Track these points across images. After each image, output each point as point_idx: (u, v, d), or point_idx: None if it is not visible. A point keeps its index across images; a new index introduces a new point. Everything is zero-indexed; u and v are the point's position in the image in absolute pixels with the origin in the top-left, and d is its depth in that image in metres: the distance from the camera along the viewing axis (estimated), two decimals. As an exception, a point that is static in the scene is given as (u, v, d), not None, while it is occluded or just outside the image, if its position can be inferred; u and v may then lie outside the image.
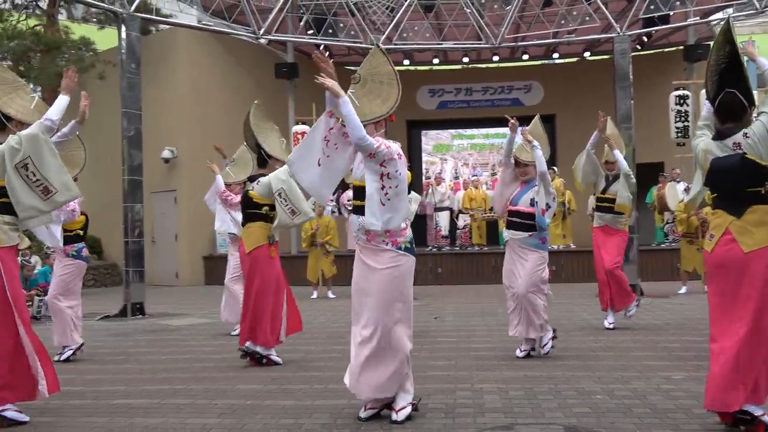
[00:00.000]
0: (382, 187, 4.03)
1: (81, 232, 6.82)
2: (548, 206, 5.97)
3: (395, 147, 4.12)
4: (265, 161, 6.21)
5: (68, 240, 6.61)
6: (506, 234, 6.16)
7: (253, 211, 6.15)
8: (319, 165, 4.17)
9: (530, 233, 5.98)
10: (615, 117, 12.05)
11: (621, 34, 13.02)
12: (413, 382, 4.30)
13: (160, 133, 16.09)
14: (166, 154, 16.42)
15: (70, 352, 6.60)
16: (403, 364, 4.11)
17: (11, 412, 4.30)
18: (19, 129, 4.41)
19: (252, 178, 6.28)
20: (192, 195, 16.20)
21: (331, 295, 12.35)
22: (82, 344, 6.70)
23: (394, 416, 4.11)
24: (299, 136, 14.26)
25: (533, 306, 5.94)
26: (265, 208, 6.09)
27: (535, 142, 5.95)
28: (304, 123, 15.05)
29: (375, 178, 4.03)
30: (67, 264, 6.67)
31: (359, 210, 4.17)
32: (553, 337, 6.10)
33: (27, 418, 4.33)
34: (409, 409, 4.14)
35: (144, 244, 11.14)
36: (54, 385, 4.35)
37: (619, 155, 7.48)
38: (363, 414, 4.17)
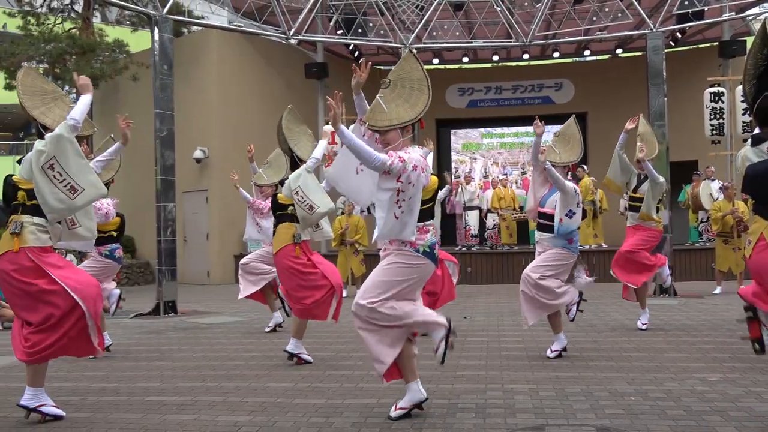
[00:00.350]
0: (396, 202, 4.01)
1: (115, 233, 6.91)
2: (571, 213, 5.90)
3: (413, 156, 4.04)
4: (297, 165, 6.25)
5: (102, 241, 6.70)
6: (537, 235, 6.17)
7: (280, 212, 6.24)
8: (358, 173, 4.28)
9: (553, 235, 5.96)
10: (648, 115, 11.88)
11: (654, 30, 12.83)
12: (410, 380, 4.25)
13: (192, 134, 16.27)
14: (197, 154, 16.60)
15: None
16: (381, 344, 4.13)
17: (48, 407, 4.38)
18: None
19: (282, 182, 6.35)
20: (223, 195, 16.36)
21: (360, 294, 12.37)
22: (110, 343, 6.79)
23: (391, 411, 4.18)
24: (329, 136, 14.29)
25: (538, 286, 5.85)
26: (291, 208, 6.14)
27: (548, 164, 5.90)
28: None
29: (390, 192, 4.01)
30: (98, 261, 6.77)
31: None
32: (580, 302, 6.05)
33: (63, 414, 4.41)
34: (404, 412, 4.16)
35: (176, 243, 11.26)
36: (102, 343, 4.50)
37: (649, 165, 7.41)
38: (393, 413, 4.17)
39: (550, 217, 5.98)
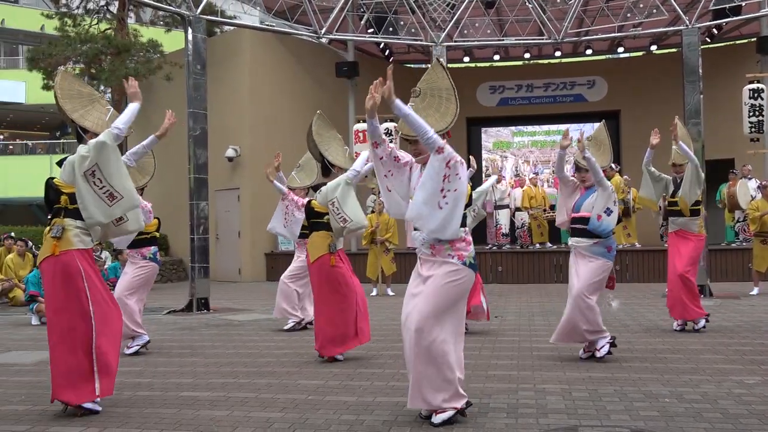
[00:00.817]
0: (442, 190, 3.91)
1: (157, 234, 7.03)
2: (609, 211, 5.77)
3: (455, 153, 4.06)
4: (328, 170, 6.26)
5: (145, 242, 6.79)
6: (571, 242, 5.96)
7: (315, 220, 6.24)
8: (390, 191, 4.23)
9: (595, 241, 5.78)
10: (683, 113, 11.69)
11: (690, 26, 12.61)
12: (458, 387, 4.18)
13: (224, 132, 16.42)
14: (229, 152, 16.75)
15: (137, 347, 6.79)
16: (441, 371, 3.94)
17: (87, 402, 4.48)
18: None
19: (315, 188, 6.37)
20: (254, 193, 16.50)
21: (390, 293, 12.38)
22: (148, 341, 6.89)
23: (433, 417, 4.01)
24: (360, 134, 14.33)
25: (584, 309, 5.68)
26: (326, 216, 6.15)
27: (587, 153, 5.81)
28: (365, 122, 15.13)
29: (437, 177, 3.91)
30: (142, 266, 6.83)
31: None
32: (612, 344, 5.87)
33: (100, 408, 4.50)
34: (449, 414, 4.00)
35: (209, 240, 11.38)
36: (108, 389, 4.46)
37: (685, 147, 7.21)
38: (424, 411, 4.15)
39: (587, 221, 5.82)
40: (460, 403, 4.02)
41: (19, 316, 10.37)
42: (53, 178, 4.63)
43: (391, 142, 15.84)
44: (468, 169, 8.18)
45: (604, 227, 5.75)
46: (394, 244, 12.56)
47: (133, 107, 4.68)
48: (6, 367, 6.25)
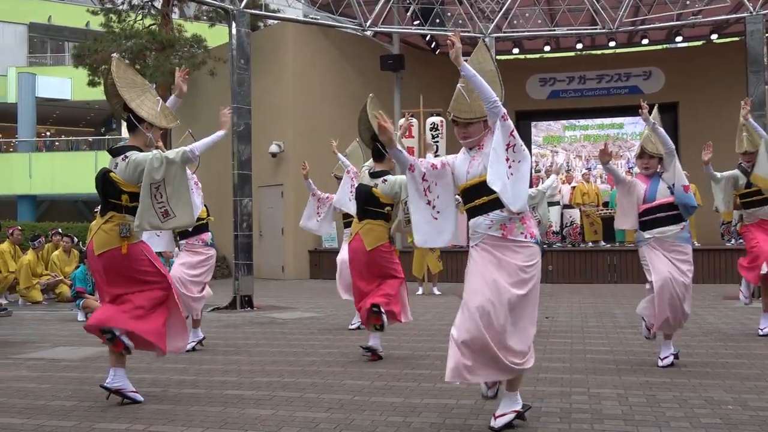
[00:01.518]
0: (507, 159, 3.84)
1: (211, 218, 7.19)
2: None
3: None
4: (382, 154, 6.23)
5: (202, 228, 6.91)
6: (652, 233, 5.56)
7: (373, 208, 6.16)
8: (436, 219, 4.13)
9: (681, 226, 5.49)
10: (747, 104, 11.35)
11: (754, 13, 12.24)
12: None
13: (267, 128, 16.60)
14: (273, 148, 16.93)
15: (194, 343, 6.89)
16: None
17: (129, 391, 4.66)
18: (148, 130, 4.70)
19: (376, 174, 6.24)
20: (298, 189, 16.61)
21: (436, 292, 12.35)
22: (203, 338, 7.04)
23: (492, 422, 3.93)
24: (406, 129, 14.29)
25: (687, 289, 5.45)
26: (387, 208, 6.13)
27: (652, 121, 5.60)
28: (412, 116, 15.11)
29: (502, 146, 3.83)
30: (203, 252, 6.89)
31: (474, 212, 3.99)
32: (675, 356, 5.69)
33: (141, 399, 4.70)
34: (510, 417, 3.95)
35: (252, 237, 11.51)
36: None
37: (754, 122, 6.95)
38: (495, 423, 3.95)
39: (668, 206, 5.50)
40: (519, 406, 4.00)
41: (66, 312, 10.68)
42: (110, 171, 4.69)
43: (436, 137, 15.62)
44: (549, 178, 8.00)
45: (692, 198, 5.50)
46: (440, 242, 12.50)
47: (218, 135, 4.86)
48: (53, 362, 6.43)
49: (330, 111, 17.11)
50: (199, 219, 6.71)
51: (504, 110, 3.88)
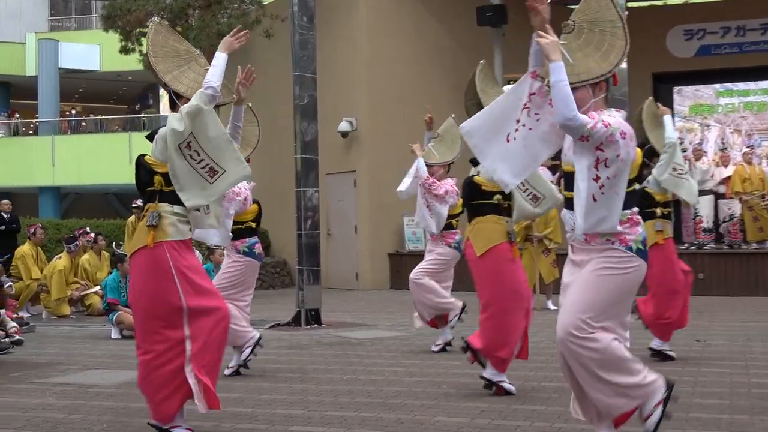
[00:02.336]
0: (597, 178, 3.89)
1: (253, 224, 7.28)
2: None
3: (618, 121, 3.91)
4: None
5: (239, 234, 7.06)
6: None
7: (480, 201, 6.15)
8: (509, 141, 4.18)
9: None
10: None
11: None
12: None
13: (336, 101, 16.77)
14: (343, 126, 17.08)
15: (235, 367, 7.08)
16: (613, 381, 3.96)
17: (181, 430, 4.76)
18: None
19: (475, 162, 6.25)
20: (375, 176, 16.74)
21: (551, 306, 12.20)
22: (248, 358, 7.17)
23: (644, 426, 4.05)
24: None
25: None
26: (497, 196, 6.09)
27: None
28: (512, 82, 14.99)
29: (587, 164, 3.91)
30: (235, 260, 7.13)
31: (570, 203, 4.11)
32: None
33: None
34: (659, 413, 4.02)
35: (319, 237, 11.64)
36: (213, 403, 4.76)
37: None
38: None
39: None
40: (659, 394, 4.03)
41: (98, 328, 11.10)
42: (144, 155, 4.87)
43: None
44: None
45: None
46: (556, 243, 12.35)
47: (220, 59, 4.84)
48: (84, 389, 6.71)
49: (414, 78, 17.13)
50: (236, 222, 6.89)
51: (586, 127, 3.85)
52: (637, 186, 5.66)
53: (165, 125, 4.77)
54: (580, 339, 3.93)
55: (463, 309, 8.21)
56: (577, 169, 3.96)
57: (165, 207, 4.71)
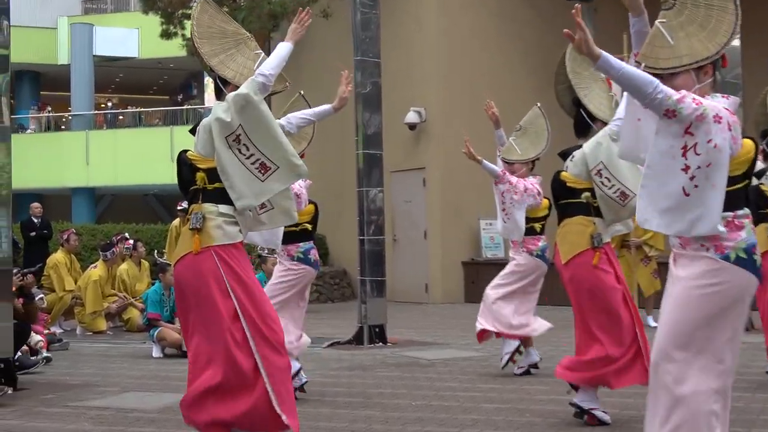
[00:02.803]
0: (686, 168, 3.76)
1: (309, 227, 7.30)
2: None
3: (715, 104, 3.80)
4: (587, 127, 6.09)
5: (293, 237, 7.05)
6: None
7: (567, 200, 6.08)
8: (640, 120, 4.16)
9: None
10: None
11: None
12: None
13: (403, 89, 16.77)
14: (411, 117, 17.06)
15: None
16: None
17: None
18: None
19: (565, 154, 6.19)
20: (448, 174, 16.70)
21: (652, 323, 12.02)
22: (305, 382, 7.20)
23: None
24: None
25: None
26: (586, 194, 6.00)
27: None
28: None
29: (674, 152, 3.79)
30: (290, 268, 7.14)
31: None
32: None
33: None
34: None
35: (384, 244, 11.68)
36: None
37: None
38: None
39: None
40: None
41: (137, 346, 11.31)
42: (186, 151, 4.91)
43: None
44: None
45: None
46: (657, 250, 12.16)
47: (285, 48, 4.88)
48: (123, 413, 6.84)
49: (493, 62, 17.05)
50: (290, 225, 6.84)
51: (671, 99, 3.74)
52: (745, 183, 5.39)
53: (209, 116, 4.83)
54: (664, 373, 3.79)
55: (517, 349, 8.14)
56: (654, 153, 3.85)
57: (209, 207, 4.71)
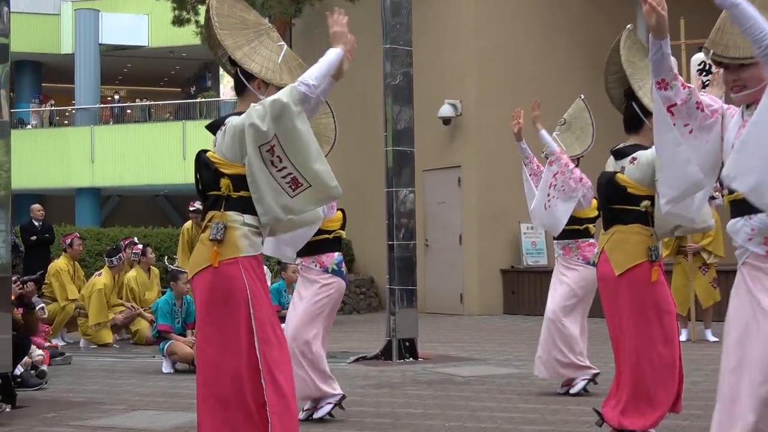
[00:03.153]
0: None
1: (343, 233, 7.27)
2: None
3: None
4: (639, 122, 6.06)
5: (326, 246, 7.03)
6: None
7: (622, 206, 6.01)
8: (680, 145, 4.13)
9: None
10: None
11: None
12: None
13: (436, 80, 16.79)
14: (445, 111, 17.06)
15: (329, 406, 7.12)
16: None
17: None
18: (262, 91, 4.80)
19: (622, 152, 6.09)
20: (485, 173, 16.69)
21: (711, 338, 11.97)
22: (343, 396, 7.22)
23: None
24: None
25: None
26: (645, 202, 5.93)
27: None
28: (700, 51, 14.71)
29: None
30: (324, 284, 7.06)
31: (741, 208, 3.91)
32: None
33: None
34: None
35: (415, 249, 11.67)
36: None
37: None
38: None
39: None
40: None
41: (146, 360, 11.38)
42: (206, 150, 4.85)
43: (708, 83, 15.25)
44: None
45: None
46: (717, 257, 12.09)
47: (334, 54, 4.73)
48: (131, 433, 6.89)
49: (536, 49, 17.00)
50: (322, 231, 6.75)
51: None
52: None
53: (235, 113, 4.76)
54: None
55: (593, 379, 8.09)
56: (756, 128, 3.71)
57: (233, 216, 4.64)
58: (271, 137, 4.50)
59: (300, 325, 6.97)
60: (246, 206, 4.62)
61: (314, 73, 4.64)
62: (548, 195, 7.78)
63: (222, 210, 4.64)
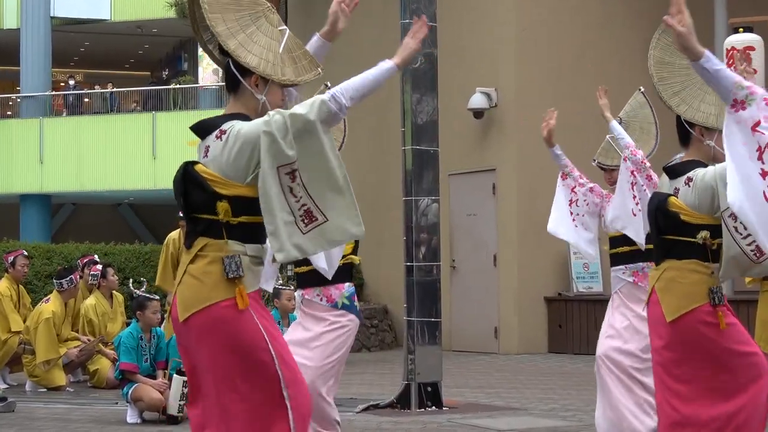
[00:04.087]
0: (763, 173, 4.06)
1: (357, 260, 7.31)
2: None
3: None
4: (684, 133, 6.07)
5: (336, 276, 7.02)
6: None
7: (674, 237, 6.00)
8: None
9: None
10: None
11: None
12: None
13: (465, 66, 16.84)
14: (477, 101, 17.06)
15: None
16: None
17: None
18: (260, 88, 4.70)
19: (673, 172, 6.07)
20: (526, 178, 16.69)
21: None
22: None
23: None
24: (736, 54, 14.00)
25: None
26: (704, 233, 5.88)
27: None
28: (743, 30, 14.75)
29: (752, 147, 4.06)
30: (333, 321, 7.14)
31: None
32: None
33: None
34: None
35: (439, 272, 11.67)
36: None
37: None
38: None
39: None
40: None
41: (107, 407, 11.36)
42: (194, 163, 4.75)
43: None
44: None
45: None
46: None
47: (387, 71, 4.66)
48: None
49: (586, 30, 17.06)
50: None
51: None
52: None
53: (233, 115, 4.68)
54: None
55: None
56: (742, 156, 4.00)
57: (235, 247, 4.59)
58: (295, 159, 4.37)
59: (314, 377, 6.98)
60: (248, 235, 4.55)
61: (351, 92, 4.53)
62: (572, 215, 7.86)
63: (223, 239, 4.56)
